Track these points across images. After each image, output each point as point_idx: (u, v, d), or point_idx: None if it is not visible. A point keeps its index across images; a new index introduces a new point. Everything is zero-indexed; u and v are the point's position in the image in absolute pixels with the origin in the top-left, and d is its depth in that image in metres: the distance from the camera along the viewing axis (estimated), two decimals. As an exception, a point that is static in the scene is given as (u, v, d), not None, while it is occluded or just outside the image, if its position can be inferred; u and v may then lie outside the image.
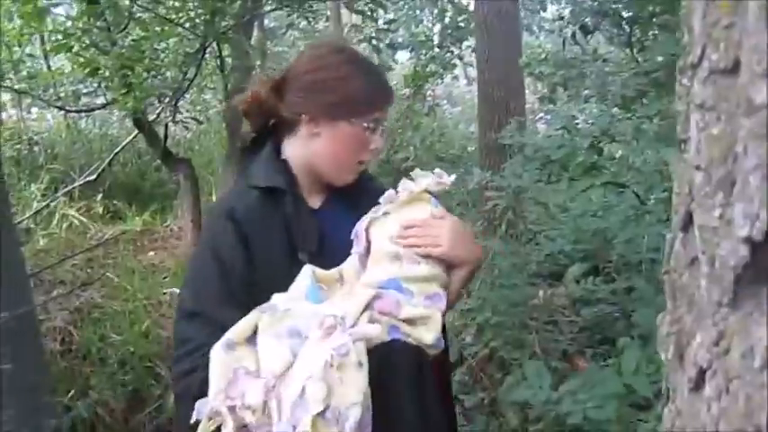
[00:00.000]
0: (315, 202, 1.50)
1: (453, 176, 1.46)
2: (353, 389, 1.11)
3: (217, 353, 1.21)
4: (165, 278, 4.59)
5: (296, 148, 1.46)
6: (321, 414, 1.09)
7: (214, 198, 5.95)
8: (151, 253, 5.26)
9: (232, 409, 1.15)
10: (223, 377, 1.18)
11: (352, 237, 1.41)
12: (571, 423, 1.82)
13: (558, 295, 4.57)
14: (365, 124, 1.42)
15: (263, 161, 1.46)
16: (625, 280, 3.53)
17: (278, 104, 1.45)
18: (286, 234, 1.40)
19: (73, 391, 3.33)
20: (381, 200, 1.43)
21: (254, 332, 1.24)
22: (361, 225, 1.41)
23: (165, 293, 4.17)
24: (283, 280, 1.32)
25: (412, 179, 1.45)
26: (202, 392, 1.20)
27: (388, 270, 1.35)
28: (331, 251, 1.42)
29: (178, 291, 4.01)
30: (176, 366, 1.33)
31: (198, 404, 1.19)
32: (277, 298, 1.29)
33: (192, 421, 1.18)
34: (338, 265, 1.40)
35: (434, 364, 1.35)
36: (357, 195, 1.51)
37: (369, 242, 1.40)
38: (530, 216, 5.17)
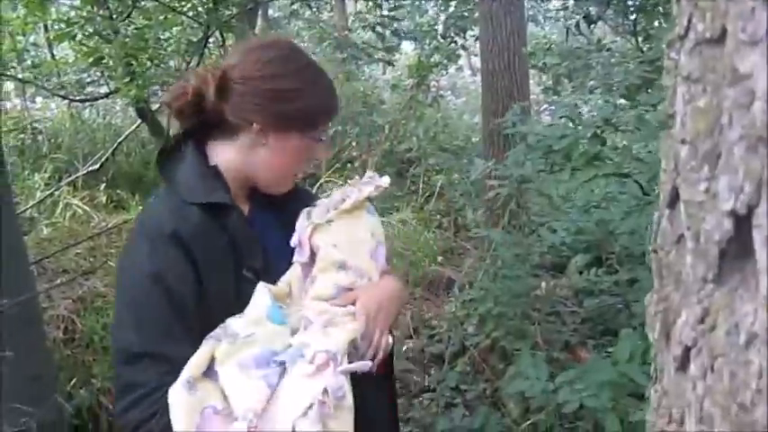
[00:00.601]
0: (243, 209, 1.38)
1: (387, 179, 1.41)
2: (345, 421, 1.10)
3: (177, 394, 1.10)
4: (167, 267, 4.59)
5: (230, 155, 1.33)
6: None
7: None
8: (154, 242, 5.25)
9: None
10: (190, 421, 1.08)
11: (292, 244, 1.34)
12: (569, 412, 1.81)
13: (560, 286, 4.56)
14: (318, 136, 1.35)
15: (190, 169, 1.30)
16: (627, 271, 3.52)
17: (221, 106, 1.29)
18: (232, 251, 1.28)
19: (75, 379, 3.34)
20: (323, 207, 1.37)
21: (211, 365, 1.14)
22: (303, 233, 1.34)
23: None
24: (232, 301, 1.24)
25: (350, 185, 1.41)
26: None
27: (336, 280, 1.31)
28: (269, 261, 1.33)
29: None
30: (126, 417, 1.17)
31: None
32: (234, 323, 1.19)
33: None
34: (279, 275, 1.33)
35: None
36: (282, 200, 1.41)
37: (312, 250, 1.34)
38: (532, 207, 5.16)
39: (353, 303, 1.29)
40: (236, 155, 1.33)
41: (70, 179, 5.60)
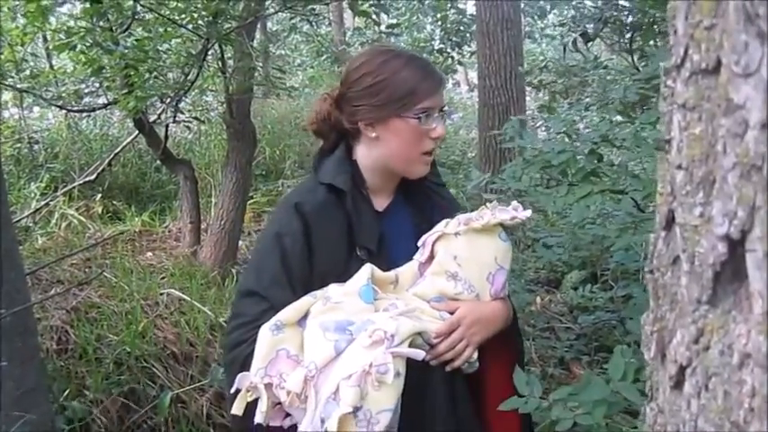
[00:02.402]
0: (381, 203, 1.58)
1: (529, 212, 1.51)
2: (387, 396, 1.21)
3: (264, 332, 1.31)
4: (162, 279, 4.58)
5: (363, 153, 1.55)
6: (353, 413, 1.18)
7: (214, 200, 5.95)
8: (149, 254, 5.25)
9: (269, 386, 1.26)
10: (266, 356, 1.29)
11: (419, 244, 1.50)
12: (562, 430, 1.82)
13: (555, 302, 4.58)
14: (415, 115, 1.47)
15: (333, 160, 1.55)
16: (623, 288, 3.54)
17: (340, 117, 1.54)
18: (347, 231, 1.48)
19: (68, 391, 3.32)
20: (457, 220, 1.49)
21: (305, 315, 1.35)
22: (430, 237, 1.48)
23: (162, 294, 4.16)
24: (340, 274, 1.43)
25: (488, 208, 1.51)
26: (247, 365, 1.32)
27: (442, 287, 1.44)
28: (389, 251, 1.52)
29: (173, 290, 4.01)
30: (227, 338, 1.46)
31: (239, 377, 1.30)
32: (333, 288, 1.38)
33: (231, 391, 1.31)
34: (394, 264, 1.49)
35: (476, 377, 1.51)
36: (423, 202, 1.61)
37: (432, 254, 1.48)
38: (528, 223, 5.18)
39: (453, 312, 1.43)
40: (366, 152, 1.55)
41: (66, 189, 5.61)
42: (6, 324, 2.51)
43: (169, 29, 4.47)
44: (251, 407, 1.30)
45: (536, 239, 4.80)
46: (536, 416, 3.05)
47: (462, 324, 1.42)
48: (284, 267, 1.45)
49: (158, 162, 6.20)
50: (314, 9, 5.14)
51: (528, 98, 6.32)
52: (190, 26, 4.45)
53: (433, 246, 1.48)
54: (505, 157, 5.24)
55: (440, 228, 1.50)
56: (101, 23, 4.16)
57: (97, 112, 6.55)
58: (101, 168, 5.65)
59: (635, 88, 2.19)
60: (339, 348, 1.26)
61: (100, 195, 6.01)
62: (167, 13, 4.45)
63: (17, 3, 5.30)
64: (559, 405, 1.88)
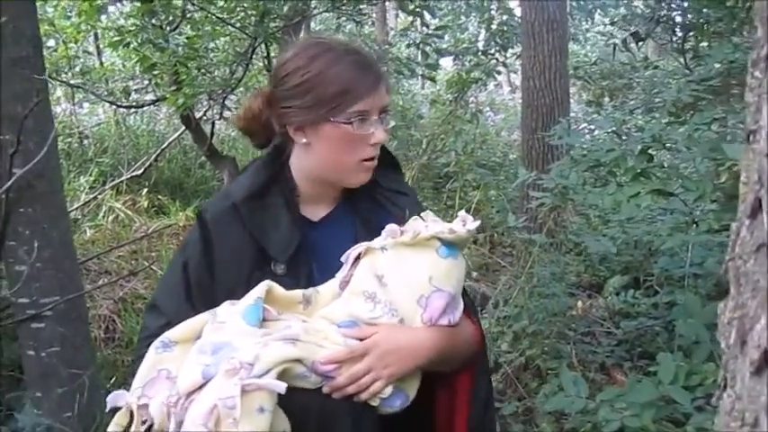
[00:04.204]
0: (317, 213, 1.40)
1: (477, 223, 1.30)
2: None
3: (150, 349, 1.21)
4: (205, 272, 4.66)
5: (296, 160, 1.37)
6: None
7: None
8: (193, 248, 5.33)
9: (143, 407, 1.14)
10: (146, 374, 1.18)
11: (342, 259, 1.30)
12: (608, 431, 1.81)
13: (596, 307, 4.53)
14: (347, 120, 1.28)
15: (250, 169, 1.41)
16: (667, 294, 3.48)
17: (271, 118, 1.36)
18: (256, 243, 1.32)
19: (114, 378, 3.40)
20: (384, 232, 1.29)
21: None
22: (353, 251, 1.29)
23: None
24: (245, 289, 1.26)
25: (423, 219, 1.31)
26: None
27: (356, 309, 1.25)
28: (314, 266, 1.35)
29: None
30: (135, 349, 1.38)
31: (113, 395, 1.17)
32: (223, 306, 1.25)
33: (107, 410, 1.17)
34: (320, 280, 1.32)
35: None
36: (372, 212, 1.40)
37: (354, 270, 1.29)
38: (570, 226, 5.13)
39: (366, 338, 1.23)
40: (299, 159, 1.37)
41: (114, 183, 5.74)
42: (60, 310, 2.59)
43: (217, 27, 4.55)
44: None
45: (577, 243, 4.76)
46: (576, 421, 3.04)
47: (371, 353, 1.20)
48: (184, 280, 1.33)
49: (202, 158, 6.31)
50: (360, 9, 5.18)
51: (572, 101, 6.27)
52: (237, 25, 4.53)
53: (356, 261, 1.29)
54: (548, 158, 5.20)
55: (365, 242, 1.30)
56: (152, 21, 4.26)
57: (145, 108, 6.69)
58: (147, 164, 5.77)
59: (688, 89, 2.15)
60: (207, 374, 1.12)
61: (146, 190, 6.14)
62: (216, 11, 4.54)
63: (71, 2, 5.45)
64: (606, 406, 1.87)
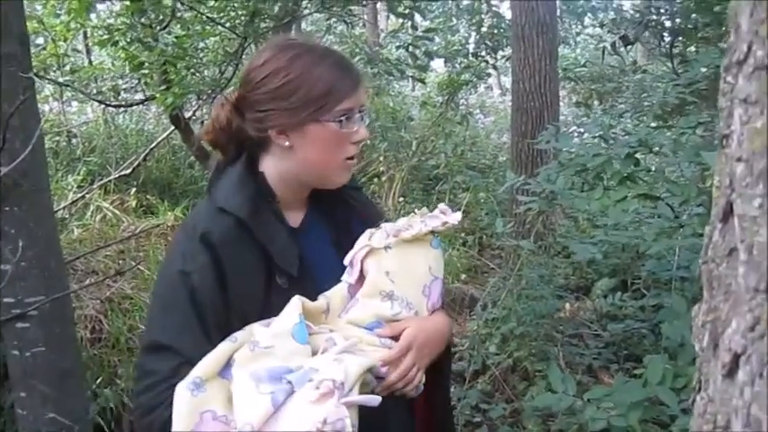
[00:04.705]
0: (295, 219, 1.39)
1: (459, 214, 1.37)
2: None
3: (182, 394, 1.12)
4: (194, 273, 4.64)
5: (272, 165, 1.34)
6: None
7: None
8: (181, 248, 5.32)
9: None
10: (188, 422, 1.10)
11: (345, 262, 1.32)
12: (594, 431, 1.81)
13: (584, 309, 4.55)
14: (336, 119, 1.28)
15: (230, 179, 1.33)
16: (654, 297, 3.50)
17: (242, 125, 1.32)
18: (263, 258, 1.28)
19: (101, 379, 3.39)
20: (384, 231, 1.33)
21: (228, 364, 1.17)
22: (358, 253, 1.32)
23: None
24: (261, 309, 1.25)
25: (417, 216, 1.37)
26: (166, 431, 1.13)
27: (378, 310, 1.29)
28: (312, 273, 1.33)
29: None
30: (138, 400, 1.23)
31: None
32: (259, 330, 1.19)
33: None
34: (320, 287, 1.32)
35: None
36: (339, 211, 1.42)
37: (363, 273, 1.32)
38: (559, 229, 5.16)
39: (399, 336, 1.28)
40: (276, 163, 1.34)
41: (102, 182, 5.71)
42: (45, 310, 2.57)
43: (207, 27, 4.55)
44: None
45: (566, 246, 4.78)
46: (563, 423, 3.05)
47: (413, 347, 1.27)
48: (194, 310, 1.22)
49: (191, 158, 6.29)
50: (351, 10, 5.19)
51: (561, 104, 6.29)
52: (227, 25, 4.52)
53: (362, 263, 1.32)
54: (537, 161, 5.22)
55: (364, 241, 1.33)
56: (141, 20, 4.25)
57: (133, 107, 6.67)
58: (136, 163, 5.75)
59: (674, 93, 2.17)
60: (276, 402, 1.08)
61: (134, 189, 6.11)
62: (206, 11, 4.53)
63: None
64: (593, 405, 1.88)
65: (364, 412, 1.13)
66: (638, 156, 2.15)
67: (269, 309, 1.24)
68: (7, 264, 2.49)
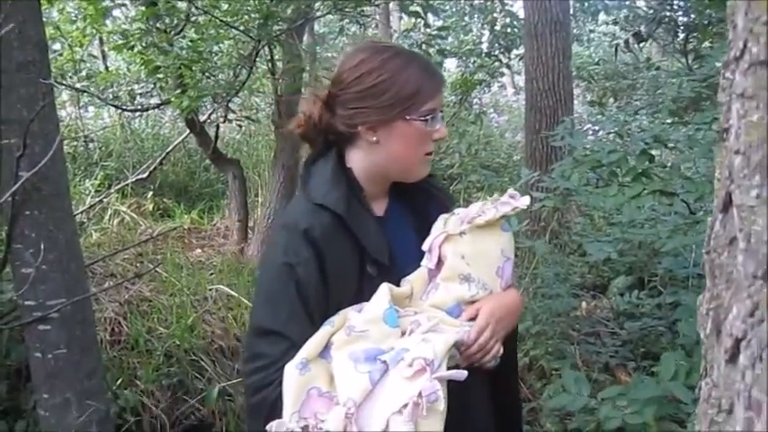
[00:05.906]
0: (379, 208, 1.50)
1: (527, 198, 1.47)
2: (435, 421, 1.18)
3: (291, 372, 1.26)
4: (211, 275, 4.69)
5: (359, 159, 1.45)
6: None
7: (260, 199, 6.06)
8: (198, 250, 5.38)
9: (305, 429, 1.22)
10: (297, 398, 1.24)
11: (424, 248, 1.44)
12: (610, 429, 1.82)
13: (600, 307, 4.53)
14: (422, 117, 1.39)
15: (324, 173, 1.44)
16: (671, 295, 3.48)
17: (332, 120, 1.44)
18: (357, 248, 1.40)
19: (121, 380, 3.43)
20: (458, 218, 1.45)
21: (326, 347, 1.30)
22: (435, 240, 1.43)
23: (210, 290, 4.26)
24: (354, 296, 1.37)
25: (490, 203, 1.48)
26: (275, 409, 1.27)
27: (458, 293, 1.40)
28: (397, 260, 1.44)
29: (221, 286, 4.09)
30: (249, 379, 1.36)
31: (274, 424, 1.24)
32: (353, 315, 1.33)
33: None
34: (404, 273, 1.43)
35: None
36: (418, 198, 1.54)
37: (441, 258, 1.42)
38: (574, 227, 5.14)
39: (476, 315, 1.38)
40: (363, 158, 1.45)
41: (119, 186, 5.77)
42: (67, 313, 2.61)
43: (221, 31, 4.58)
44: None
45: (580, 244, 4.76)
46: (580, 421, 3.04)
47: (491, 322, 1.38)
48: (301, 300, 1.35)
49: (207, 161, 6.35)
50: (363, 11, 5.21)
51: (575, 102, 6.28)
52: (241, 28, 4.56)
53: (440, 249, 1.43)
54: (552, 159, 5.21)
55: (440, 227, 1.45)
56: (156, 25, 4.30)
57: (149, 112, 6.74)
58: (153, 167, 5.80)
59: (689, 88, 2.16)
60: (374, 380, 1.22)
61: (151, 193, 6.18)
62: (219, 15, 4.57)
63: (75, 5, 5.49)
64: (608, 404, 1.88)
65: (450, 386, 1.23)
66: (652, 152, 2.15)
67: (361, 296, 1.37)
68: (29, 267, 2.53)
